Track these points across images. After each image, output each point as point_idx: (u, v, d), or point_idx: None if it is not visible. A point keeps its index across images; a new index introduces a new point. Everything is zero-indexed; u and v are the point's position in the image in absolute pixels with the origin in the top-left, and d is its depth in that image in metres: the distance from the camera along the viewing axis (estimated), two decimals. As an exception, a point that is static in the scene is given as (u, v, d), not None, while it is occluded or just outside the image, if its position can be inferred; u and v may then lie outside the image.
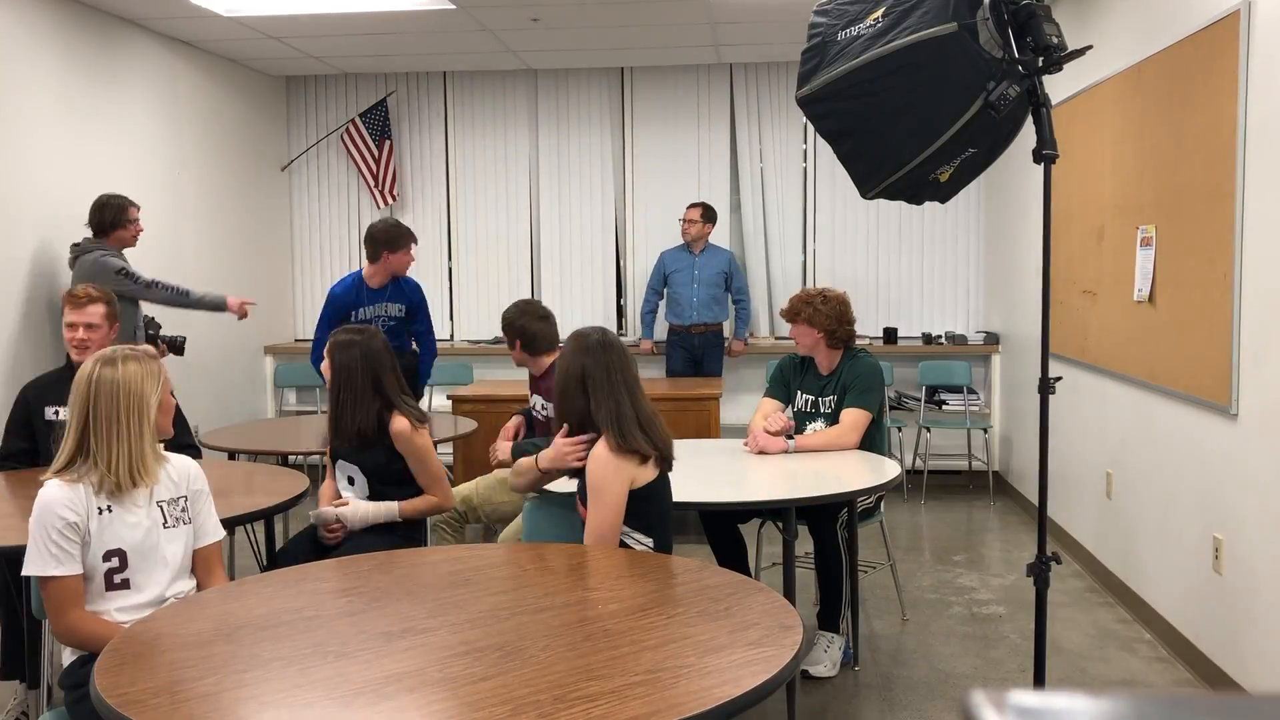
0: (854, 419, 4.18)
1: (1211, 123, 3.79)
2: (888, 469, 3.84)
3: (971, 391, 7.24)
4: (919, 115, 2.88)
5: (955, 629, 4.50)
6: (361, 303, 5.41)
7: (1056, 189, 5.78)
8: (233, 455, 4.56)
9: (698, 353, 7.20)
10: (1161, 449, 4.30)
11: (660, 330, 7.42)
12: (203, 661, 1.99)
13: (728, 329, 7.39)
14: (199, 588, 2.74)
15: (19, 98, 5.34)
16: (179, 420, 3.37)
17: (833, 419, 4.28)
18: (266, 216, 7.91)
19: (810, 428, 4.32)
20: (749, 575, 3.76)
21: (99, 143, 5.97)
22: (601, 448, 2.87)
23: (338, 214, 8.23)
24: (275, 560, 3.67)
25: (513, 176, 8.03)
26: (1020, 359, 6.74)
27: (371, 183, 8.00)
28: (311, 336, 8.25)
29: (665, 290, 7.35)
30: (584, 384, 2.96)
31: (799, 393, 4.40)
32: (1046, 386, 2.96)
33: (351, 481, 3.65)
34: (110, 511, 2.59)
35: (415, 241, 5.50)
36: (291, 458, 4.62)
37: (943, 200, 3.17)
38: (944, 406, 7.31)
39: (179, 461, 2.77)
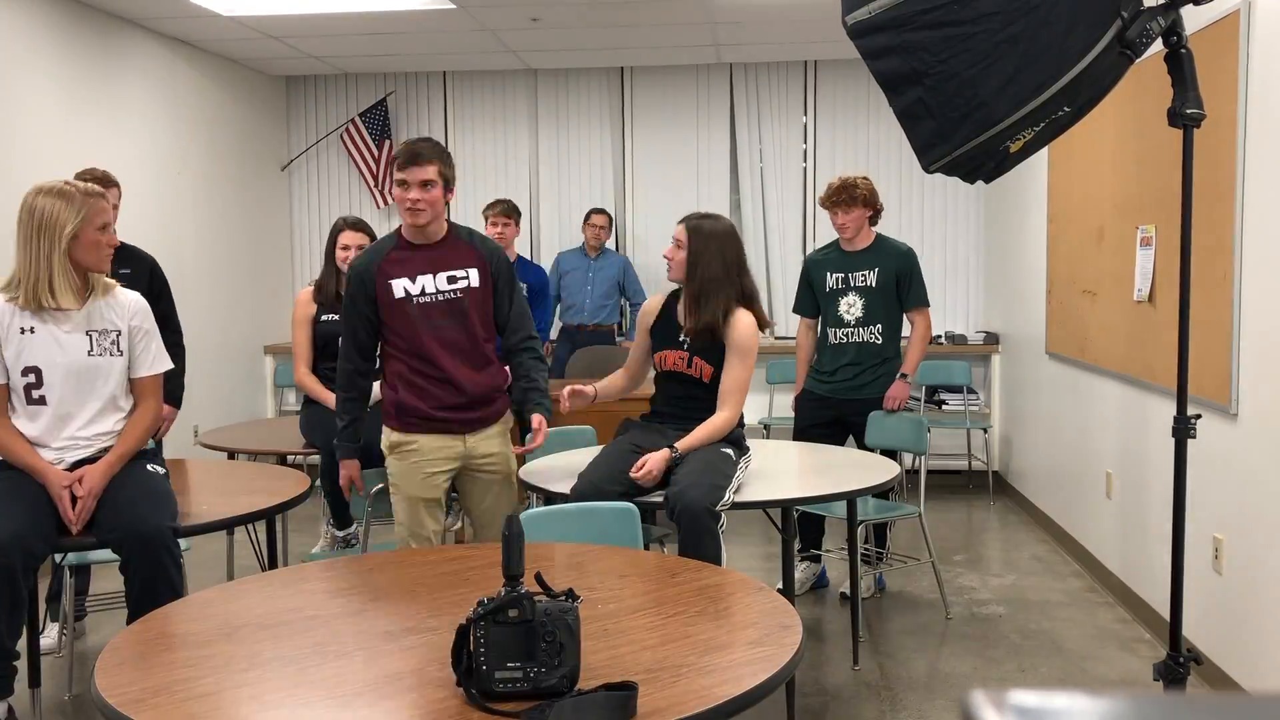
0: (927, 320, 4.89)
1: (1211, 123, 3.78)
2: (887, 468, 3.84)
3: (971, 391, 7.23)
4: (1022, 56, 2.18)
5: (955, 629, 4.50)
6: None
7: (1056, 189, 5.79)
8: (233, 455, 4.57)
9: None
10: (1161, 449, 4.29)
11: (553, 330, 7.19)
12: (203, 661, 1.99)
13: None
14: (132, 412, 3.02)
15: (19, 98, 5.34)
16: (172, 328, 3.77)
17: (868, 293, 4.74)
18: (266, 216, 7.91)
19: (843, 302, 4.78)
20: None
21: (99, 143, 5.97)
22: (751, 319, 3.49)
23: (337, 214, 8.13)
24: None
25: (512, 176, 8.02)
26: (1020, 359, 6.74)
27: (371, 183, 8.00)
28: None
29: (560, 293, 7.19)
30: (739, 267, 3.54)
31: (828, 274, 4.79)
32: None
33: None
34: (33, 332, 2.87)
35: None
36: (291, 458, 4.62)
37: (989, 179, 2.49)
38: (944, 406, 7.31)
39: (124, 296, 3.00)
